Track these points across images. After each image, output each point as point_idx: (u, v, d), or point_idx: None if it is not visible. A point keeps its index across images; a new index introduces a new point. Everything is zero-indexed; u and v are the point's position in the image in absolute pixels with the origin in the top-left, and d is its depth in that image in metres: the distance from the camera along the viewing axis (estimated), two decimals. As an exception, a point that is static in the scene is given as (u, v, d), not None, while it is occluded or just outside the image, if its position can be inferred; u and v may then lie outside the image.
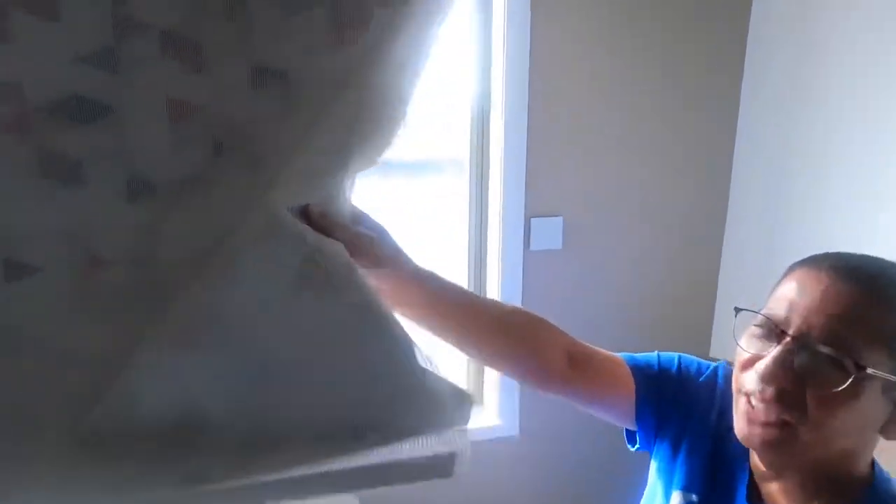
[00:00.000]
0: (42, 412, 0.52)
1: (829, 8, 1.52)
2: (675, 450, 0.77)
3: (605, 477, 1.65)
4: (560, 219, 1.65)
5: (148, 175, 0.54)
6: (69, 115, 0.52)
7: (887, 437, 0.61)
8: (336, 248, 0.56)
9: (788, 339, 0.59)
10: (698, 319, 1.89)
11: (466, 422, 0.60)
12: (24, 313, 0.52)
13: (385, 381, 0.57)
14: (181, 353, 0.52)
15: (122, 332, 0.53)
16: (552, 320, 0.81)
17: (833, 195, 1.54)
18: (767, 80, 1.70)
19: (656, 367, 0.80)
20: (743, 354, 0.63)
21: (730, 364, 0.70)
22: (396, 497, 0.84)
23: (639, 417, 0.79)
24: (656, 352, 0.83)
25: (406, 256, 0.71)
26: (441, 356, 0.63)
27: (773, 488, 0.67)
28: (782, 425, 0.59)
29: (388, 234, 0.69)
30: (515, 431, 1.75)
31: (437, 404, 0.58)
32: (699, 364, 0.81)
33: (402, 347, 0.57)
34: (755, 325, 0.64)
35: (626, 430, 0.83)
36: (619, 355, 0.82)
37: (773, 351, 0.59)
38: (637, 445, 0.83)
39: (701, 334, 1.90)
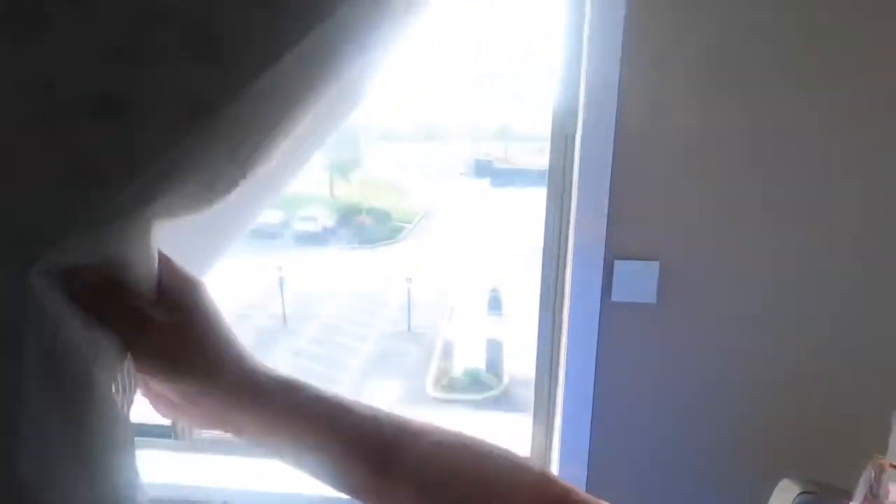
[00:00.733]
0: None
1: None
2: None
3: None
4: (656, 264, 1.24)
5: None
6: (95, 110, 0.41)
7: None
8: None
9: None
10: (864, 411, 1.35)
11: None
12: None
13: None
14: None
15: None
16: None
17: None
18: None
19: None
20: None
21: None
22: None
23: None
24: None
25: (249, 358, 0.42)
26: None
27: None
28: None
29: (220, 319, 0.41)
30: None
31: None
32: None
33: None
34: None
35: None
36: None
37: None
38: None
39: (870, 438, 1.35)
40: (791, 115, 1.19)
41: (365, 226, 9.64)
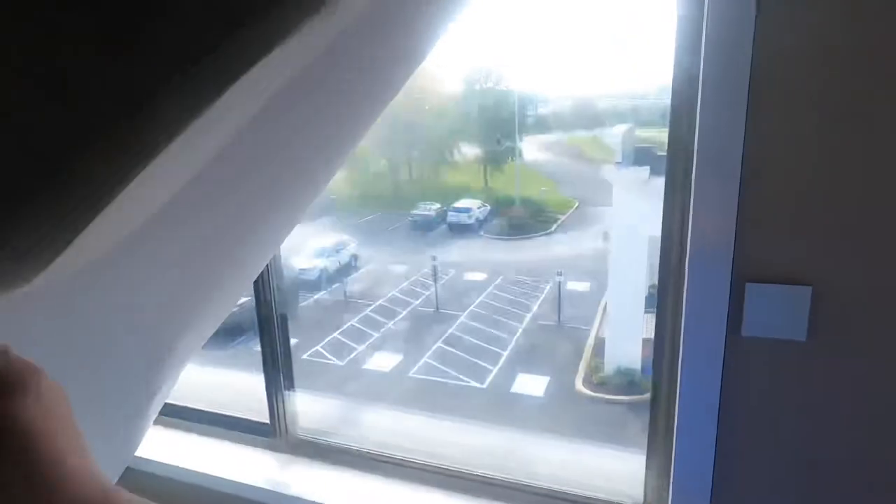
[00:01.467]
0: None
1: None
2: None
3: None
4: (807, 290, 0.94)
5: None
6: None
7: None
8: None
9: None
10: None
11: None
12: None
13: None
14: None
15: None
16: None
17: None
18: None
19: None
20: None
21: None
22: None
23: None
24: None
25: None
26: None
27: None
28: None
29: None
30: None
31: None
32: None
33: None
34: None
35: None
36: None
37: None
38: None
39: None
40: None
41: (518, 217, 9.50)
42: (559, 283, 8.21)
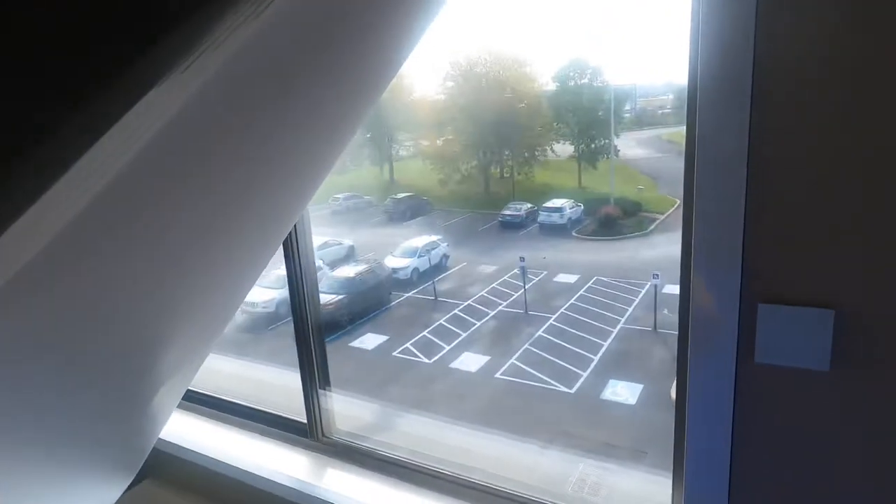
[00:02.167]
0: None
1: None
2: None
3: None
4: (829, 313, 0.82)
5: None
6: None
7: None
8: None
9: None
10: None
11: None
12: None
13: None
14: None
15: None
16: None
17: None
18: None
19: None
20: None
21: None
22: None
23: None
24: None
25: None
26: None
27: None
28: None
29: None
30: None
31: None
32: None
33: None
34: None
35: None
36: None
37: None
38: None
39: None
40: None
41: (612, 216, 9.14)
42: (656, 286, 7.80)
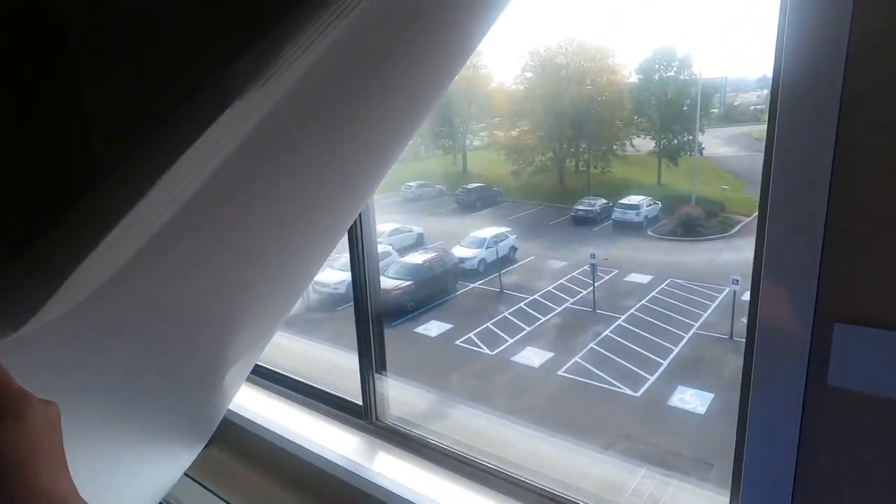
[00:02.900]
0: None
1: None
2: None
3: None
4: (918, 337, 0.75)
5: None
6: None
7: None
8: None
9: None
10: None
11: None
12: None
13: None
14: None
15: None
16: None
17: None
18: None
19: None
20: None
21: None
22: None
23: None
24: None
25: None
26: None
27: None
28: None
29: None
30: None
31: None
32: None
33: None
34: None
35: None
36: None
37: None
38: None
39: None
40: None
41: (692, 216, 8.71)
42: (734, 292, 7.38)
